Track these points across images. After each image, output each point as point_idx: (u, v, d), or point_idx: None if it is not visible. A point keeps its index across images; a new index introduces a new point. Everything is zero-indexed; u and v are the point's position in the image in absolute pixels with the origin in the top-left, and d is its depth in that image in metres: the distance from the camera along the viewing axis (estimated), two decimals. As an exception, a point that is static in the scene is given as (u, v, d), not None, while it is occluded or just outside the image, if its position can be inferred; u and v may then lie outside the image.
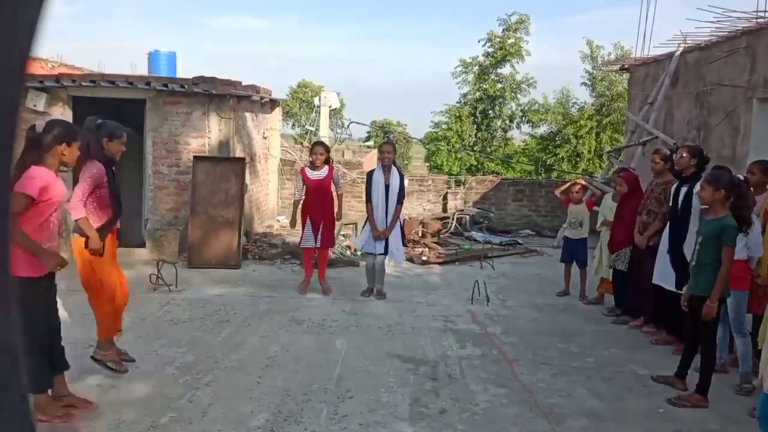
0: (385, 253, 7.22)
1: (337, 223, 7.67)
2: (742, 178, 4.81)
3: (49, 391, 4.01)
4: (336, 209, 7.39)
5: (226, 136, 9.45)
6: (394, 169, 7.20)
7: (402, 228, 7.77)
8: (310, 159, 7.45)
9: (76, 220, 4.49)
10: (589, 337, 6.22)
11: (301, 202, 7.38)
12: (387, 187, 7.12)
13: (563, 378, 5.07)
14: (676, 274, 5.63)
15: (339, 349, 5.57)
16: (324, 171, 7.27)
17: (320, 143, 7.83)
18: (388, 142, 8.02)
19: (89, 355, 4.76)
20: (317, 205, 7.25)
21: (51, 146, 3.78)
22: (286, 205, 13.22)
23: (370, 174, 7.39)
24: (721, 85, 8.60)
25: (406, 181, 11.70)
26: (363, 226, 7.59)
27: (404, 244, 8.05)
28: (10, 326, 0.61)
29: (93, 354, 4.74)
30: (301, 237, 7.43)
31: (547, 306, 7.35)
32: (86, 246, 4.51)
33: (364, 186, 7.62)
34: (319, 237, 7.27)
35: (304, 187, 7.30)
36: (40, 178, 3.69)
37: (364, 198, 7.62)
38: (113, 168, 4.66)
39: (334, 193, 7.44)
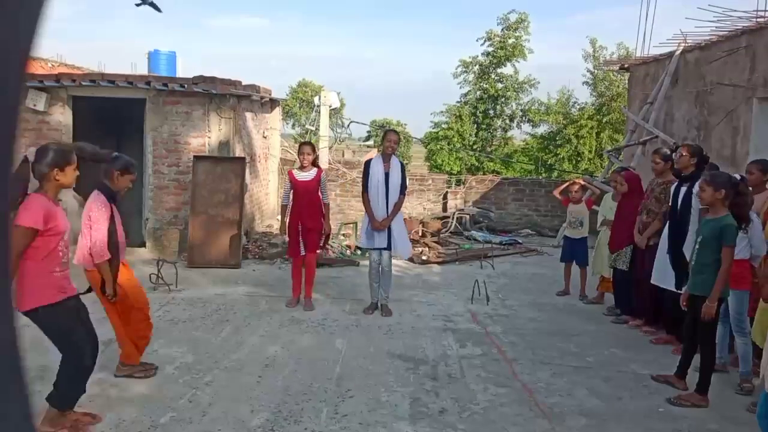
0: (389, 247, 6.71)
1: (326, 233, 7.06)
2: (739, 177, 4.81)
3: None
4: (324, 220, 6.91)
5: (226, 136, 9.46)
6: (394, 158, 6.77)
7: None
8: (298, 160, 7.06)
9: (96, 263, 4.39)
10: (589, 336, 6.22)
11: (289, 206, 6.96)
12: (386, 176, 6.67)
13: (563, 378, 5.07)
14: (675, 273, 5.63)
15: (339, 349, 5.57)
16: (312, 173, 6.86)
17: (307, 143, 7.36)
18: (392, 130, 7.44)
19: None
20: (305, 208, 6.81)
21: (46, 173, 3.64)
22: (286, 205, 13.22)
23: (367, 163, 6.90)
24: (721, 84, 8.60)
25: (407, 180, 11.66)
26: (362, 222, 7.08)
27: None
28: (12, 329, 0.61)
29: (116, 371, 4.76)
30: (289, 245, 7.03)
31: (547, 305, 7.35)
32: (102, 290, 4.45)
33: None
34: (302, 243, 6.83)
35: (292, 190, 6.89)
36: (40, 206, 3.57)
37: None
38: (116, 203, 4.57)
39: (322, 200, 6.95)
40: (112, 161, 4.46)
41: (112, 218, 4.45)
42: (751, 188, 5.09)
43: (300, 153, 6.97)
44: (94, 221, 4.37)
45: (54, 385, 3.81)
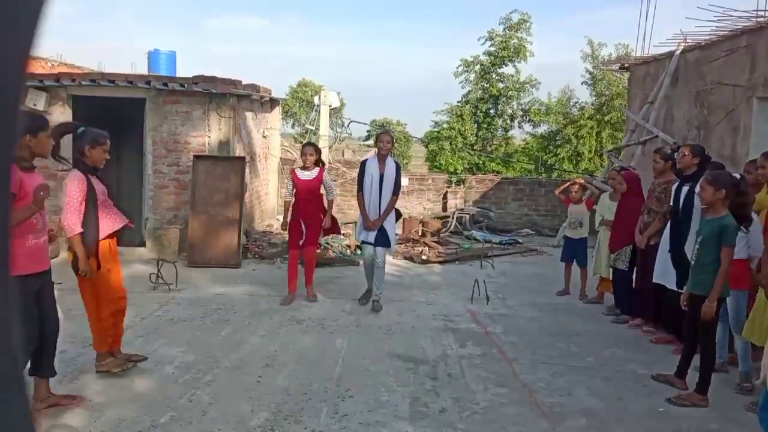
0: (381, 244, 6.84)
1: (326, 230, 7.25)
2: (740, 176, 4.80)
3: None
4: (325, 217, 7.08)
5: (226, 136, 9.46)
6: (389, 159, 6.85)
7: (398, 216, 7.28)
8: (301, 160, 7.23)
9: (69, 237, 4.37)
10: (589, 336, 6.22)
11: (291, 203, 7.11)
12: (381, 177, 6.76)
13: (563, 377, 5.07)
14: (677, 273, 5.62)
15: (339, 349, 5.57)
16: (314, 172, 7.02)
17: (310, 144, 7.49)
18: (386, 132, 7.52)
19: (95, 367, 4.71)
20: (306, 207, 7.00)
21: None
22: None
23: (363, 163, 7.02)
24: (721, 84, 8.60)
25: (405, 180, 11.58)
26: (359, 220, 7.23)
27: (395, 235, 7.36)
28: (11, 326, 0.61)
29: (96, 368, 4.70)
30: (290, 239, 7.17)
31: (547, 305, 7.35)
32: (75, 266, 4.40)
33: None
34: (303, 236, 7.00)
35: (294, 188, 7.04)
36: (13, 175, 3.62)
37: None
38: (98, 176, 4.51)
39: (324, 197, 7.18)
40: (79, 138, 4.44)
41: (90, 193, 4.40)
42: (766, 183, 5.08)
43: (303, 153, 7.12)
44: (67, 195, 4.34)
45: None
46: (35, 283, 3.82)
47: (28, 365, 3.83)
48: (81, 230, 4.34)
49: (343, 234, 10.92)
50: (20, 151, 3.67)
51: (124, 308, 4.82)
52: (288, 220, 7.18)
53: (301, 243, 7.03)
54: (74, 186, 4.34)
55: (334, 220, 7.26)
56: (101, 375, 4.69)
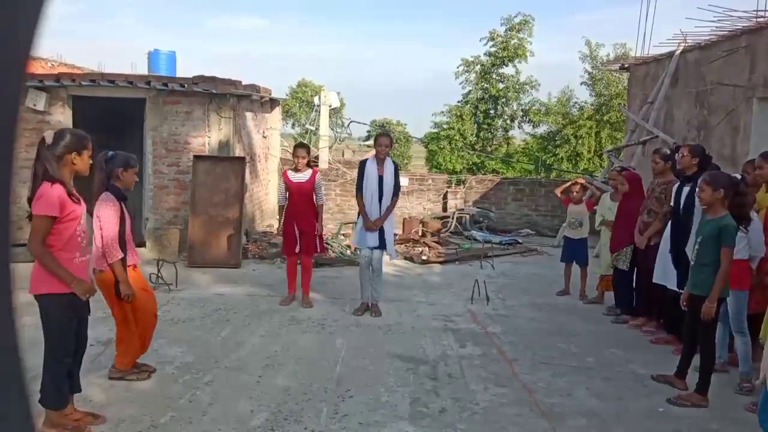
0: (380, 246, 6.69)
1: (317, 234, 7.02)
2: (740, 177, 4.80)
3: None
4: (317, 221, 6.92)
5: (226, 136, 9.46)
6: (388, 161, 6.70)
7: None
8: (293, 161, 7.04)
9: (110, 263, 4.35)
10: (589, 336, 6.22)
11: (285, 206, 6.99)
12: (380, 179, 6.61)
13: (563, 378, 5.06)
14: (677, 273, 5.62)
15: (339, 349, 5.57)
16: (307, 174, 6.87)
17: (302, 145, 7.31)
18: (385, 134, 7.29)
19: (107, 375, 4.70)
20: (299, 209, 6.85)
21: (62, 157, 3.65)
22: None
23: (362, 164, 6.86)
24: (721, 84, 8.60)
25: (405, 180, 11.57)
26: (356, 222, 7.01)
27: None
28: (13, 328, 0.61)
29: (109, 374, 4.69)
30: (284, 244, 7.07)
31: (547, 306, 7.35)
32: (116, 291, 4.40)
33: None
34: (299, 244, 6.86)
35: (287, 190, 6.91)
36: (54, 193, 3.56)
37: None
38: (126, 206, 4.52)
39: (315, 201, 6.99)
40: (110, 161, 4.44)
41: (122, 217, 4.43)
42: (765, 183, 5.08)
43: (294, 155, 6.98)
44: (104, 221, 4.35)
45: (41, 385, 3.76)
46: (80, 301, 3.81)
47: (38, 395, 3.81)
48: (122, 255, 4.38)
49: (343, 234, 10.93)
50: (64, 168, 3.67)
51: (154, 326, 4.85)
52: (282, 223, 7.04)
53: (297, 251, 6.89)
54: (111, 211, 4.36)
55: (320, 237, 7.03)
56: (101, 375, 4.69)
